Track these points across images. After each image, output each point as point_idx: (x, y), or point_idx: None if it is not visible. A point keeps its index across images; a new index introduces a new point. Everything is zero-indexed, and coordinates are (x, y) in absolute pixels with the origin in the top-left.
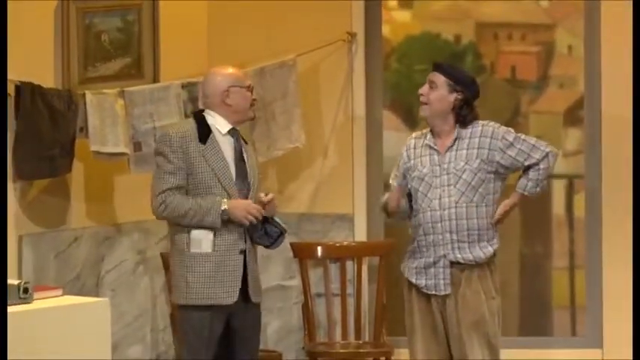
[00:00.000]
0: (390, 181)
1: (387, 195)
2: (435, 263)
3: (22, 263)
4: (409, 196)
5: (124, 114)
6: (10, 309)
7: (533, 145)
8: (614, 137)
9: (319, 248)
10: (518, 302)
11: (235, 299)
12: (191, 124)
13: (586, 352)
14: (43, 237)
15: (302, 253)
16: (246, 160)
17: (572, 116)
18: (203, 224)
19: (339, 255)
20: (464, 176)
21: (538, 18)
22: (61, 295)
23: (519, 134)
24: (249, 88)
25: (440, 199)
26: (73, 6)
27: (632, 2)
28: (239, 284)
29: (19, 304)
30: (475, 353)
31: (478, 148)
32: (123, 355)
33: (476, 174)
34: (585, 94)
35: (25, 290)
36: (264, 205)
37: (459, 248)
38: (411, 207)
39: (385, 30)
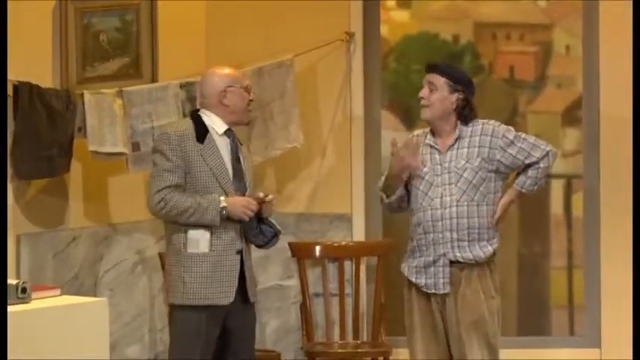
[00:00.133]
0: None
1: (383, 175)
2: (434, 262)
3: (20, 263)
4: (407, 194)
5: (122, 114)
6: (8, 309)
7: (534, 144)
8: (612, 137)
9: (317, 248)
10: (516, 302)
11: (232, 299)
12: (189, 124)
13: (584, 352)
14: (41, 237)
15: (300, 253)
16: (242, 160)
17: (571, 116)
18: (202, 222)
19: (337, 255)
20: (465, 175)
21: (536, 18)
22: (59, 295)
23: (520, 133)
24: (247, 89)
25: (441, 197)
26: (71, 6)
27: (631, 2)
28: (236, 284)
29: (17, 303)
30: (474, 353)
31: (479, 147)
32: (121, 355)
33: (477, 172)
34: (583, 94)
35: (24, 290)
36: (262, 202)
37: (458, 247)
38: (408, 203)
39: (383, 30)
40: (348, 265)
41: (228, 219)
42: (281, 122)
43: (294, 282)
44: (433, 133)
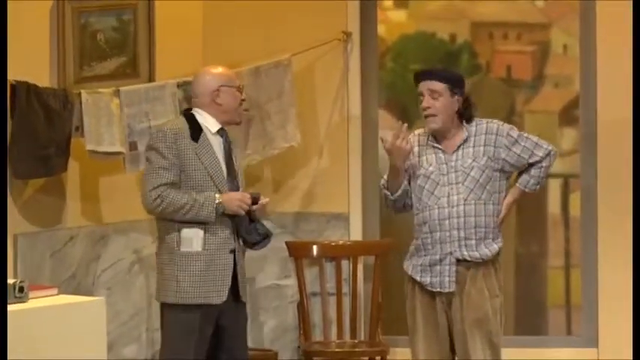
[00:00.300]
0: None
1: (386, 174)
2: (440, 261)
3: (18, 262)
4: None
5: (119, 113)
6: None
7: (536, 143)
8: (609, 136)
9: (315, 247)
10: (514, 301)
11: (225, 298)
12: (183, 122)
13: (581, 352)
14: (39, 236)
15: (297, 252)
16: (234, 159)
17: (568, 116)
18: (198, 218)
19: (334, 254)
20: (472, 173)
21: (533, 17)
22: (57, 295)
23: (522, 132)
24: (239, 89)
25: (448, 196)
26: (68, 5)
27: (631, 2)
28: (229, 283)
29: (14, 303)
30: (477, 352)
31: (484, 146)
32: (118, 355)
33: (483, 171)
34: (581, 93)
35: (21, 289)
36: (256, 199)
37: (465, 246)
38: (410, 204)
39: (381, 29)
40: (345, 264)
41: (223, 215)
42: (278, 122)
43: (291, 281)
44: (436, 135)
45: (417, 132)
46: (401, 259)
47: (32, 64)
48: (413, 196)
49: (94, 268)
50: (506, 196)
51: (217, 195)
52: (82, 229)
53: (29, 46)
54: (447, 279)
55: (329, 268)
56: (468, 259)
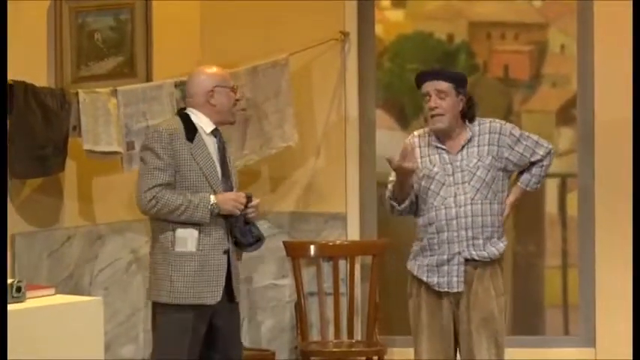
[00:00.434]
0: (391, 179)
1: (390, 184)
2: (448, 261)
3: (15, 262)
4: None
5: (116, 113)
6: None
7: (537, 142)
8: (606, 136)
9: (312, 247)
10: (511, 301)
11: (218, 299)
12: (178, 123)
13: (579, 351)
14: (36, 236)
15: (295, 252)
16: (228, 160)
17: (565, 115)
18: (192, 219)
19: (332, 254)
20: (478, 173)
21: (531, 17)
22: (54, 294)
23: (523, 131)
24: (234, 89)
25: (455, 196)
26: (65, 5)
27: (631, 2)
28: (223, 284)
29: (12, 303)
30: (482, 351)
31: (488, 145)
32: (116, 354)
33: (489, 170)
34: (578, 93)
35: (18, 289)
36: (250, 200)
37: (473, 245)
38: (415, 205)
39: (378, 29)
40: (342, 264)
41: (217, 215)
42: (276, 121)
43: (288, 281)
44: (437, 134)
45: (416, 133)
46: (398, 259)
47: (30, 63)
48: (418, 197)
49: (91, 267)
50: (507, 195)
51: (212, 196)
52: (80, 228)
53: (26, 46)
54: (455, 279)
55: (326, 267)
56: (477, 258)
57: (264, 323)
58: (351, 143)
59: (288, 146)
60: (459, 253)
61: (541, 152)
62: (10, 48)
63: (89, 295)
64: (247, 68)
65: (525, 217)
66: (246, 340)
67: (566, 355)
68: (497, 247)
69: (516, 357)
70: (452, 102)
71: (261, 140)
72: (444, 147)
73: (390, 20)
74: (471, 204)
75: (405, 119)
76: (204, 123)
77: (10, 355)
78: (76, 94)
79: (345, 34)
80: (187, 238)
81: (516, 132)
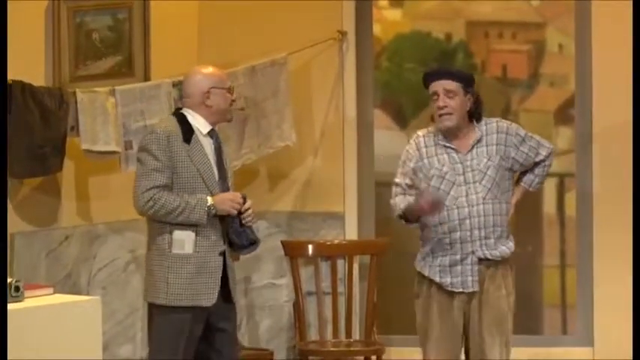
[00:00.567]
0: (398, 180)
1: (402, 201)
2: (461, 260)
3: (14, 261)
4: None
5: (114, 112)
6: None
7: (539, 142)
8: (605, 136)
9: (310, 247)
10: None
11: (214, 301)
12: (175, 124)
13: (577, 351)
14: (35, 235)
15: (293, 252)
16: (224, 161)
17: (563, 115)
18: (189, 221)
19: (330, 253)
20: (489, 172)
21: (529, 17)
22: (52, 294)
23: (527, 131)
24: (230, 90)
25: (467, 195)
26: (63, 5)
27: (631, 2)
28: (219, 285)
29: (10, 302)
30: (494, 352)
31: (496, 145)
32: (114, 354)
33: (498, 170)
34: (576, 92)
35: (17, 289)
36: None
37: (486, 245)
38: None
39: (376, 29)
40: (340, 263)
41: (213, 217)
42: (274, 121)
43: (286, 280)
44: (444, 133)
45: (420, 133)
46: (396, 259)
47: (27, 63)
48: None
49: (89, 267)
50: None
51: (209, 197)
52: (78, 228)
53: (24, 45)
54: (469, 279)
55: (324, 267)
56: (490, 257)
57: (263, 323)
58: (349, 143)
59: (286, 145)
60: (473, 252)
61: (544, 152)
62: (8, 47)
63: (87, 294)
64: (246, 67)
65: (524, 216)
66: (244, 340)
67: (565, 354)
68: (508, 246)
69: (515, 356)
70: (460, 101)
71: (260, 139)
72: (452, 146)
73: (387, 20)
74: (483, 203)
75: (403, 119)
76: (200, 124)
77: (8, 354)
78: (74, 93)
79: (343, 34)
80: (184, 240)
81: (521, 132)
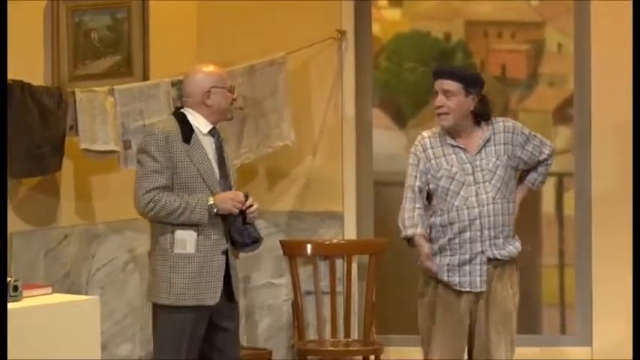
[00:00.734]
0: (409, 183)
1: (412, 223)
2: (470, 260)
3: (12, 261)
4: (428, 196)
5: (113, 112)
6: None
7: (542, 141)
8: (603, 135)
9: (309, 246)
10: None
11: (218, 300)
12: (174, 124)
13: (575, 350)
14: (33, 235)
15: (292, 251)
16: (226, 159)
17: (562, 114)
18: (190, 221)
19: (328, 253)
20: (498, 172)
21: (528, 16)
22: (51, 293)
23: (529, 130)
24: (231, 89)
25: (477, 195)
26: (62, 4)
27: (632, 2)
28: (222, 284)
29: (8, 302)
30: (500, 351)
31: (504, 144)
32: (112, 354)
33: (506, 170)
34: (575, 92)
35: (15, 288)
36: (247, 198)
37: (495, 245)
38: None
39: (375, 28)
40: (339, 263)
41: (215, 216)
42: (273, 120)
43: (285, 280)
44: (449, 133)
45: (425, 134)
46: (395, 259)
47: (26, 62)
48: (435, 197)
49: (88, 266)
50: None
51: (209, 197)
52: (76, 227)
53: (23, 45)
54: (478, 278)
55: (323, 267)
56: (499, 257)
57: (261, 322)
58: (347, 142)
59: (285, 145)
60: (482, 252)
61: (547, 151)
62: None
63: (86, 294)
64: (244, 67)
65: (522, 216)
66: (243, 339)
67: (563, 354)
68: (515, 245)
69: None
70: (458, 102)
71: (258, 139)
72: (461, 146)
73: (387, 19)
74: (493, 203)
75: (401, 118)
76: (200, 123)
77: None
78: (73, 93)
79: (342, 33)
80: (186, 240)
81: (526, 131)
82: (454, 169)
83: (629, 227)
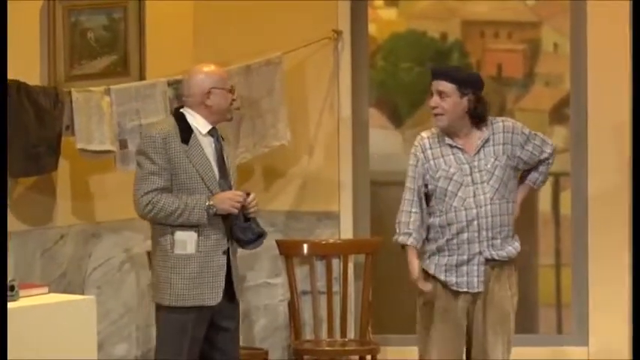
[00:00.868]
0: (408, 185)
1: (406, 227)
2: (468, 261)
3: (8, 260)
4: (426, 197)
5: (110, 112)
6: None
7: (543, 140)
8: (600, 135)
9: (305, 246)
10: None
11: (219, 300)
12: (172, 124)
13: (572, 350)
14: (29, 235)
15: (288, 251)
16: (225, 158)
17: (558, 114)
18: (189, 222)
19: (325, 252)
20: (496, 172)
21: (524, 16)
22: (47, 293)
23: (530, 129)
24: (231, 89)
25: (474, 196)
26: (59, 4)
27: (632, 2)
28: (223, 285)
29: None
30: (497, 352)
31: (503, 144)
32: (108, 354)
33: (505, 170)
34: (571, 91)
35: (11, 288)
36: (248, 196)
37: (493, 245)
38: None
39: (371, 28)
40: (335, 262)
41: (215, 216)
42: (269, 120)
43: (281, 280)
44: (447, 133)
45: (424, 134)
46: (392, 258)
47: (22, 62)
48: (433, 198)
49: (84, 266)
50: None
51: (208, 197)
52: (73, 227)
53: (19, 45)
54: (475, 279)
55: (319, 266)
56: (497, 258)
57: (258, 322)
58: (344, 142)
59: (281, 145)
60: (480, 253)
61: (548, 150)
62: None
63: (82, 293)
64: (241, 67)
65: (519, 215)
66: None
67: (560, 353)
68: (514, 246)
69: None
70: (453, 102)
71: (255, 139)
72: (459, 146)
73: (383, 19)
74: (491, 204)
75: (398, 118)
76: (200, 124)
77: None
78: (69, 92)
79: (339, 33)
80: (186, 241)
81: (526, 131)
82: (452, 170)
83: (626, 227)
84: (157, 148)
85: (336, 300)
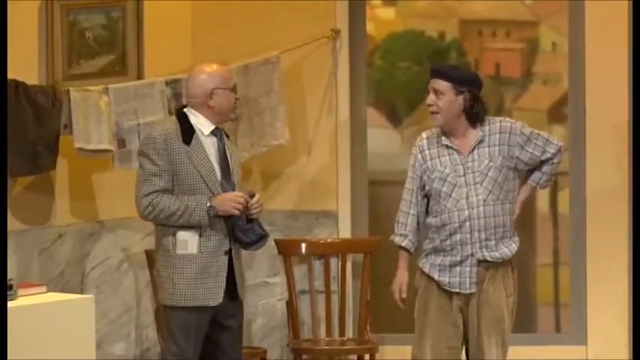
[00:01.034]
0: (407, 186)
1: (399, 238)
2: (461, 262)
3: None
4: (427, 197)
5: (108, 111)
6: None
7: (547, 140)
8: (598, 134)
9: (303, 245)
10: None
11: (221, 300)
12: (174, 125)
13: (570, 349)
14: (28, 234)
15: (286, 250)
16: (229, 158)
17: (556, 113)
18: (190, 223)
19: (323, 252)
20: (490, 174)
21: (522, 15)
22: (45, 292)
23: (533, 129)
24: (234, 89)
25: (467, 198)
26: (57, 3)
27: (632, 2)
28: (224, 285)
29: None
30: (491, 352)
31: (499, 145)
32: (107, 353)
33: (500, 171)
34: (569, 91)
35: (10, 287)
36: (251, 196)
37: (486, 247)
38: (426, 210)
39: (369, 27)
40: (334, 262)
41: (217, 217)
42: (267, 119)
43: (280, 279)
44: (446, 133)
45: (424, 135)
46: (390, 257)
47: (21, 61)
48: (431, 198)
49: (82, 265)
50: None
51: (209, 198)
52: (71, 226)
53: (18, 44)
54: (467, 280)
55: (318, 265)
56: (489, 259)
57: (256, 321)
58: (342, 141)
59: (279, 144)
60: (472, 254)
61: (552, 150)
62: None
63: (80, 293)
64: (239, 66)
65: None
66: None
67: (558, 352)
68: (510, 247)
69: (508, 355)
70: (448, 101)
71: (253, 138)
72: (454, 147)
73: (381, 18)
74: (484, 205)
75: (396, 117)
76: (203, 124)
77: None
78: (68, 91)
79: (337, 32)
80: (188, 241)
81: (526, 131)
82: (447, 171)
83: (624, 226)
84: (158, 149)
85: (335, 299)
